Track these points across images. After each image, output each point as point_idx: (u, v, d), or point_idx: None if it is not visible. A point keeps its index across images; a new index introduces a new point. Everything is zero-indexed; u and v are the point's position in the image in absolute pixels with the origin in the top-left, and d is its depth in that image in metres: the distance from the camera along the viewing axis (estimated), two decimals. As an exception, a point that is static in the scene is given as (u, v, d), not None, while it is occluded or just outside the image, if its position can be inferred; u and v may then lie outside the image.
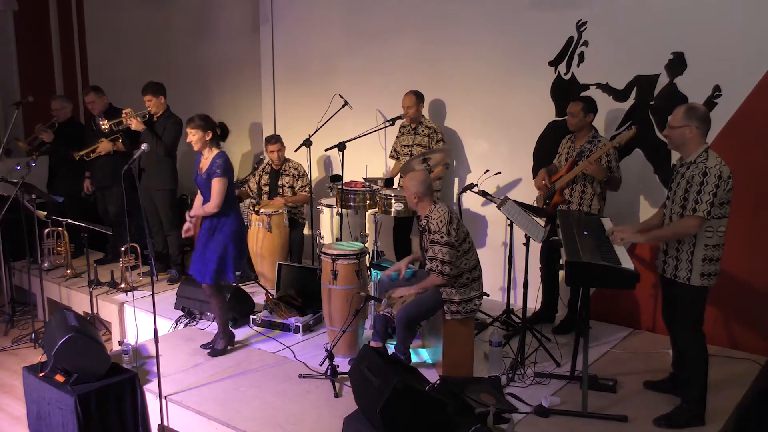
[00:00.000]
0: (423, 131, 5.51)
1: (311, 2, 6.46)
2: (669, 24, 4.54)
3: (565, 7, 4.95)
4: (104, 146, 6.06)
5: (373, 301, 4.50)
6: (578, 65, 4.96)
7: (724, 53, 4.35)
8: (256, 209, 5.69)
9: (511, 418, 3.57)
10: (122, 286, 5.71)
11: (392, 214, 5.31)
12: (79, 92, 8.47)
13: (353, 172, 5.86)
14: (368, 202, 5.51)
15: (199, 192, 4.49)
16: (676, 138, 3.47)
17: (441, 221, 3.92)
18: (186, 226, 4.53)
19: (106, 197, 6.32)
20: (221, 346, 4.53)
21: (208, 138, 4.29)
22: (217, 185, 4.23)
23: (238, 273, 4.58)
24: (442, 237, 3.89)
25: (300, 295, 5.16)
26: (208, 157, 4.32)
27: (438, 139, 5.49)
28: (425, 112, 5.64)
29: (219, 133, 4.36)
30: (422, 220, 4.05)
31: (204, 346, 4.60)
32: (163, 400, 3.87)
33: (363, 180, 5.68)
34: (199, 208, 4.41)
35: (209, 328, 4.92)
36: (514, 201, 4.31)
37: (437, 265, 3.91)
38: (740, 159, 4.22)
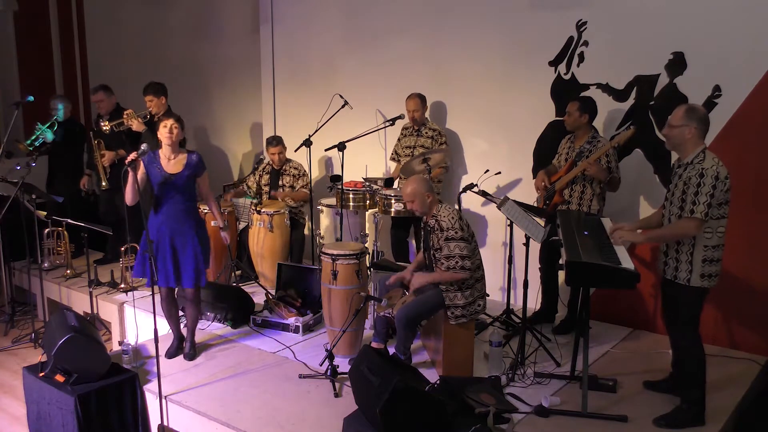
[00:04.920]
0: (426, 133, 5.50)
1: (311, 2, 6.46)
2: (669, 24, 4.54)
3: (565, 7, 4.95)
4: (108, 157, 5.98)
5: (373, 302, 4.50)
6: (578, 65, 4.96)
7: (724, 53, 4.35)
8: (258, 209, 5.69)
9: (511, 418, 3.57)
10: (122, 286, 5.71)
11: (392, 214, 5.30)
12: (79, 92, 8.47)
13: (353, 172, 5.86)
14: (368, 202, 5.50)
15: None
16: (674, 137, 3.49)
17: (452, 218, 3.91)
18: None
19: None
20: (192, 349, 4.47)
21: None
22: (207, 181, 4.34)
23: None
24: (456, 233, 3.87)
25: (300, 295, 5.16)
26: (179, 156, 4.20)
27: (441, 141, 5.47)
28: (426, 113, 5.63)
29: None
30: (430, 220, 4.03)
31: (169, 355, 4.47)
32: (163, 400, 3.87)
33: (363, 180, 5.68)
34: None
35: (209, 327, 4.92)
36: (514, 201, 4.32)
37: (457, 262, 3.85)
38: (740, 159, 4.23)
